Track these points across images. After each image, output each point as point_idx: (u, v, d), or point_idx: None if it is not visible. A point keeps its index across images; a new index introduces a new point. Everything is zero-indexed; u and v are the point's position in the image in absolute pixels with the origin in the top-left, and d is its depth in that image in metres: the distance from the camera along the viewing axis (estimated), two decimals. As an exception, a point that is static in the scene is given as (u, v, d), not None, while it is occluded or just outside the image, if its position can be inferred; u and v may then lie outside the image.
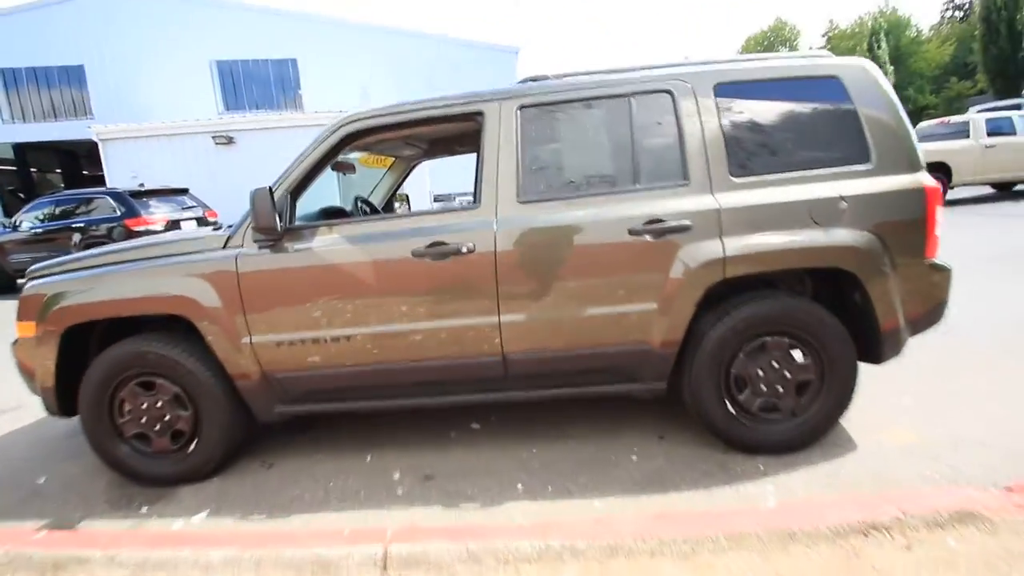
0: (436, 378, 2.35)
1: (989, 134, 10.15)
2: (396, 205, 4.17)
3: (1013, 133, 10.23)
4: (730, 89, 2.29)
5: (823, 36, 48.23)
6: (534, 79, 2.41)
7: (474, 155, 3.73)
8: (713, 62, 2.41)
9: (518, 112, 2.29)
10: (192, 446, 2.41)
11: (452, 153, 3.66)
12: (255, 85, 20.17)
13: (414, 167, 3.83)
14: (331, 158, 2.40)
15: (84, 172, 23.36)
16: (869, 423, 2.53)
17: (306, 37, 19.51)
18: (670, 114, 2.27)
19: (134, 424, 2.41)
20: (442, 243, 2.22)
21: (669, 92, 2.28)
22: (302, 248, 2.28)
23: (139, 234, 9.17)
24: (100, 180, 14.35)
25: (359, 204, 2.98)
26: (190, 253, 2.33)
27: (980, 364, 3.11)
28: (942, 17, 44.18)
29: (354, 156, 3.35)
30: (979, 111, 13.38)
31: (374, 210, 3.40)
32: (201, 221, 10.08)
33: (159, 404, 2.39)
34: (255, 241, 2.29)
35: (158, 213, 9.59)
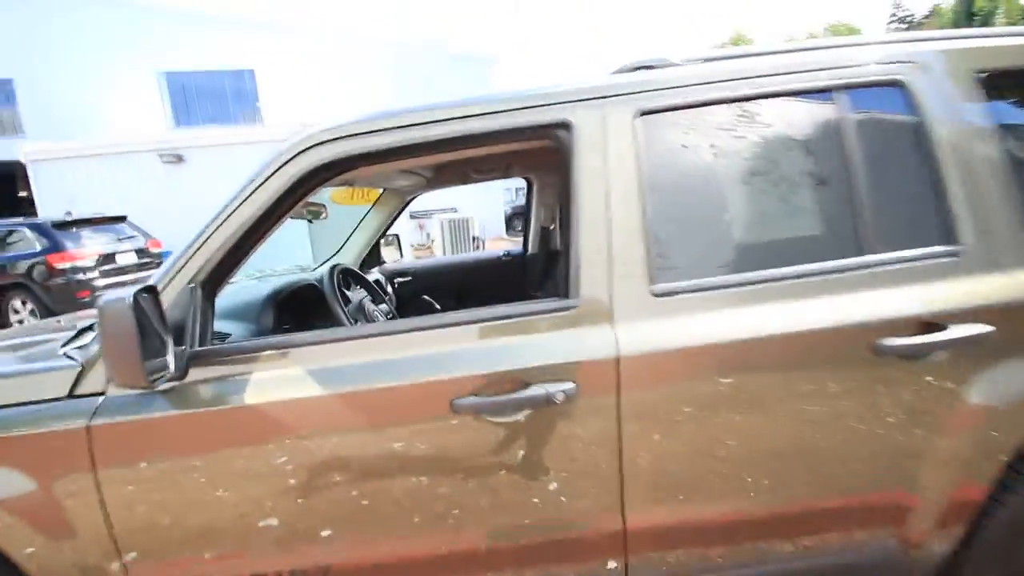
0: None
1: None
2: (383, 249, 3.05)
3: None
4: (996, 80, 1.29)
5: (783, 47, 48.95)
6: (648, 66, 1.36)
7: (494, 182, 2.68)
8: (946, 37, 1.41)
9: (637, 123, 1.24)
10: None
11: (466, 181, 2.59)
12: (209, 99, 18.51)
13: (411, 201, 2.74)
14: (285, 208, 1.29)
15: (21, 195, 21.21)
16: None
17: (264, 46, 18.05)
18: (907, 122, 1.26)
19: None
20: (512, 382, 1.13)
21: (900, 84, 1.27)
22: (226, 394, 1.15)
23: (64, 272, 7.77)
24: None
25: (337, 280, 1.76)
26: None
27: None
28: (887, 30, 45.75)
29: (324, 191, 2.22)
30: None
31: (364, 284, 2.18)
32: (141, 252, 8.71)
33: None
34: (133, 382, 1.14)
35: (89, 246, 8.21)
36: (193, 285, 1.17)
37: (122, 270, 8.34)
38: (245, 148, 11.90)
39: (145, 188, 12.15)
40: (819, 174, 1.25)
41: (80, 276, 7.88)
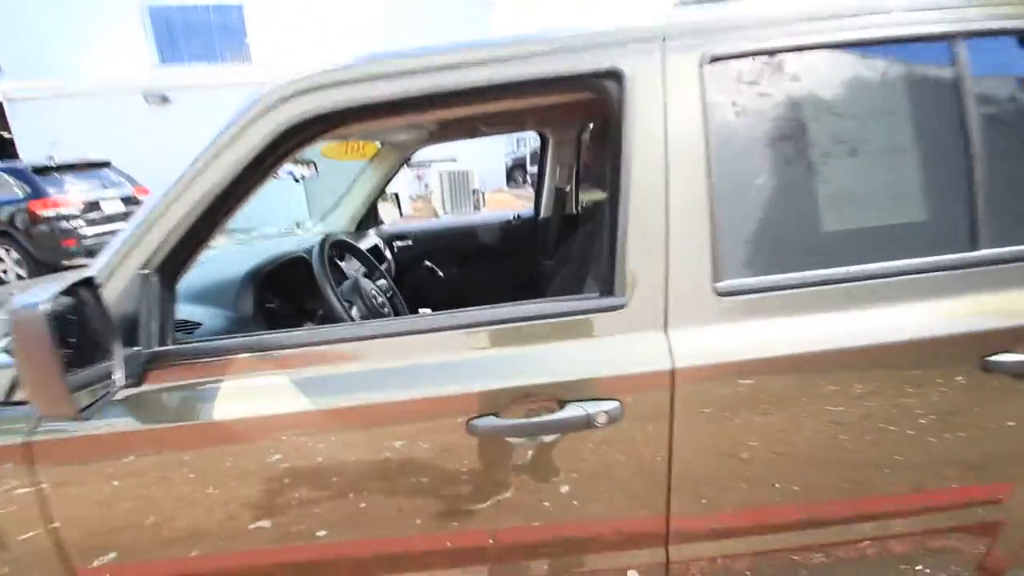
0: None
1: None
2: (380, 206, 2.79)
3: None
4: None
5: None
6: (716, -2, 1.08)
7: (508, 136, 2.39)
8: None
9: (705, 71, 0.98)
10: None
11: (474, 135, 2.30)
12: (194, 35, 17.45)
13: (411, 156, 2.47)
14: (263, 172, 1.04)
15: (3, 134, 20.28)
16: None
17: (253, -22, 16.85)
18: (1042, 80, 1.00)
19: None
20: (541, 398, 0.92)
21: (1030, 32, 1.00)
22: (191, 405, 0.95)
23: (48, 219, 7.44)
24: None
25: (328, 256, 1.50)
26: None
27: None
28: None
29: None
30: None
31: (359, 256, 1.92)
32: (127, 200, 8.34)
33: None
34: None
35: (73, 192, 7.85)
36: (147, 271, 0.94)
37: (109, 218, 8.02)
38: (234, 89, 11.32)
39: (129, 130, 11.62)
40: (929, 145, 1.00)
41: (64, 224, 7.57)
